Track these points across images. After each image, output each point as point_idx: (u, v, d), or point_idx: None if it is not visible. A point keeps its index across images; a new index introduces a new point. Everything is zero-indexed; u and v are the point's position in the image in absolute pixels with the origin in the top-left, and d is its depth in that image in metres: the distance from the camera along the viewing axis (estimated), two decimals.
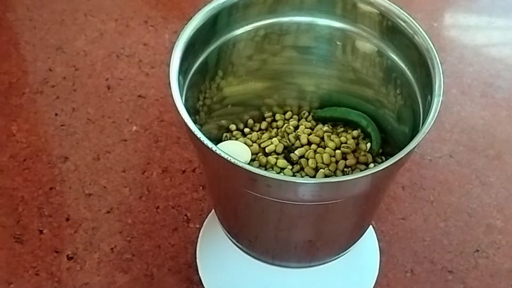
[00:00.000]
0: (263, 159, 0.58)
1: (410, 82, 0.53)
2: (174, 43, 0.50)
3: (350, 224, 0.55)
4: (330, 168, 0.57)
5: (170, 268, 0.67)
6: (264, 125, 0.63)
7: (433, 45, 0.50)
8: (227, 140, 0.61)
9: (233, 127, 0.62)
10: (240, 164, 0.44)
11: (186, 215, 0.71)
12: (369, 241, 0.69)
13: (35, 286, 0.66)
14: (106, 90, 0.81)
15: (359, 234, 0.59)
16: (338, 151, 0.58)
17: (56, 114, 0.79)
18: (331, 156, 0.58)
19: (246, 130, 0.63)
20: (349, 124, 0.61)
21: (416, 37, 0.51)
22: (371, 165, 0.59)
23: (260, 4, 0.55)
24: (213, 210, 0.69)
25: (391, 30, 0.54)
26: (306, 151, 0.59)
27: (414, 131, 0.52)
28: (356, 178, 0.44)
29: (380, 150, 0.60)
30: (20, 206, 0.71)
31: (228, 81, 0.59)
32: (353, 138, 0.60)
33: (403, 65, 0.54)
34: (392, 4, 0.53)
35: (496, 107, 0.82)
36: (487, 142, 0.79)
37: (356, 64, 0.58)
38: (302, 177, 0.57)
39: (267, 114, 0.63)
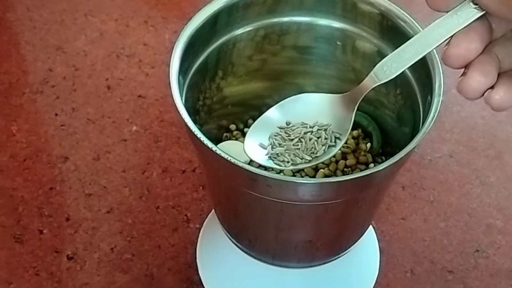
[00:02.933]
0: None
1: (410, 82, 0.53)
2: (174, 43, 0.50)
3: (350, 224, 0.55)
4: (330, 168, 0.57)
5: (170, 268, 0.67)
6: None
7: None
8: (227, 140, 0.61)
9: (233, 127, 0.62)
10: (240, 164, 0.44)
11: (186, 215, 0.71)
12: (369, 241, 0.69)
13: (35, 286, 0.66)
14: (106, 90, 0.81)
15: (359, 234, 0.59)
16: (338, 151, 0.58)
17: (56, 114, 0.79)
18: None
19: (246, 130, 0.63)
20: None
21: None
22: (371, 165, 0.59)
23: (260, 4, 0.55)
24: (213, 210, 0.69)
25: (391, 30, 0.54)
26: None
27: (414, 131, 0.52)
28: (356, 178, 0.44)
29: (380, 150, 0.60)
30: (20, 206, 0.71)
31: (228, 81, 0.59)
32: (353, 138, 0.60)
33: None
34: (392, 4, 0.53)
35: None
36: (487, 142, 0.79)
37: (356, 64, 0.58)
38: (302, 177, 0.57)
39: None
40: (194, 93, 0.54)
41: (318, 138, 0.47)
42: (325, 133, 0.47)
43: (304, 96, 0.49)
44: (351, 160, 0.58)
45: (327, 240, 0.56)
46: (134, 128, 0.78)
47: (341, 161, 0.58)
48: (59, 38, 0.87)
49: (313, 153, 0.47)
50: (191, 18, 0.52)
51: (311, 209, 0.50)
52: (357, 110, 0.61)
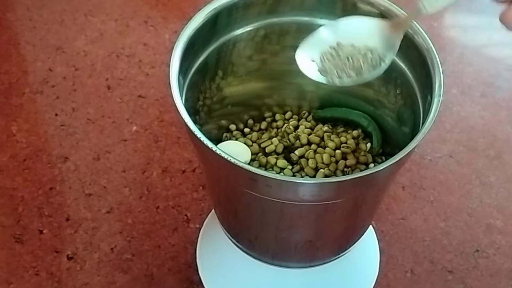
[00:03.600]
0: (263, 159, 0.58)
1: (410, 82, 0.53)
2: (174, 43, 0.50)
3: (350, 224, 0.55)
4: (330, 168, 0.57)
5: (170, 268, 0.67)
6: (264, 125, 0.63)
7: (433, 45, 0.50)
8: (227, 140, 0.61)
9: (233, 127, 0.62)
10: (240, 164, 0.44)
11: (186, 215, 0.71)
12: (369, 241, 0.69)
13: (35, 286, 0.66)
14: (106, 90, 0.81)
15: (359, 234, 0.59)
16: (338, 151, 0.58)
17: (56, 114, 0.79)
18: (331, 156, 0.58)
19: (246, 130, 0.63)
20: (349, 124, 0.61)
21: (416, 37, 0.51)
22: (371, 165, 0.59)
23: (260, 4, 0.55)
24: (213, 210, 0.69)
25: None
26: (306, 151, 0.59)
27: (414, 131, 0.52)
28: (356, 178, 0.44)
29: (380, 150, 0.60)
30: (20, 206, 0.71)
31: (228, 81, 0.59)
32: (353, 138, 0.60)
33: (403, 65, 0.54)
34: (392, 4, 0.53)
35: (496, 107, 0.82)
36: (487, 142, 0.79)
37: None
38: (302, 177, 0.57)
39: (267, 114, 0.63)
40: (194, 93, 0.54)
41: (365, 58, 0.50)
42: (372, 54, 0.49)
43: (356, 19, 0.51)
44: (351, 160, 0.58)
45: (327, 240, 0.56)
46: (134, 128, 0.78)
47: (341, 161, 0.58)
48: (59, 38, 0.87)
49: (359, 71, 0.50)
50: (191, 18, 0.52)
51: (311, 209, 0.50)
52: (357, 110, 0.61)
